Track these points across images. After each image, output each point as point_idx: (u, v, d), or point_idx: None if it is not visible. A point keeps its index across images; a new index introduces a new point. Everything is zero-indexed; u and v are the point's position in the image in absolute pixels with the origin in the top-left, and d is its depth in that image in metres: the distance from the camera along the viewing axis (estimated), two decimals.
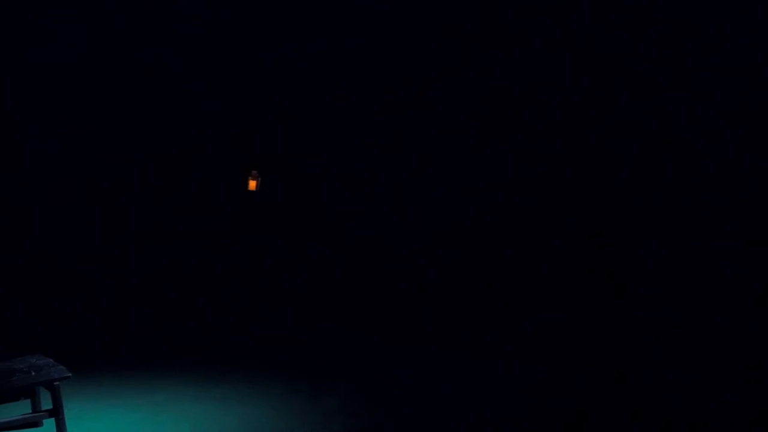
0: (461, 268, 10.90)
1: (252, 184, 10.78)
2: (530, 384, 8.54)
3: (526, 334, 9.82)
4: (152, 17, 10.29)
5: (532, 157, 10.74)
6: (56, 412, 7.29)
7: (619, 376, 8.63)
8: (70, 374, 7.40)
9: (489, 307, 10.52)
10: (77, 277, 10.48)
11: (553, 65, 10.58)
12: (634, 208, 10.52)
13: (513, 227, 10.86)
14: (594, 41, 10.51)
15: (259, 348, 9.66)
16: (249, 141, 10.82)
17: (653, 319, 9.85)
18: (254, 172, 10.83)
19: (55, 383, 7.26)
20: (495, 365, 9.06)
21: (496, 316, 10.35)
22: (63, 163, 10.40)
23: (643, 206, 10.46)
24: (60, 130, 10.27)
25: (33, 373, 7.29)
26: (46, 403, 7.47)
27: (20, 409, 7.68)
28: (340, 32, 10.64)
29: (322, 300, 10.79)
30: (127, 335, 9.85)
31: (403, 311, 10.57)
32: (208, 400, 8.30)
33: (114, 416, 7.99)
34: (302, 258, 11.06)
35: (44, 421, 7.61)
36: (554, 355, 9.27)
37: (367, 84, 10.85)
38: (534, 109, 10.76)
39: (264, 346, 9.71)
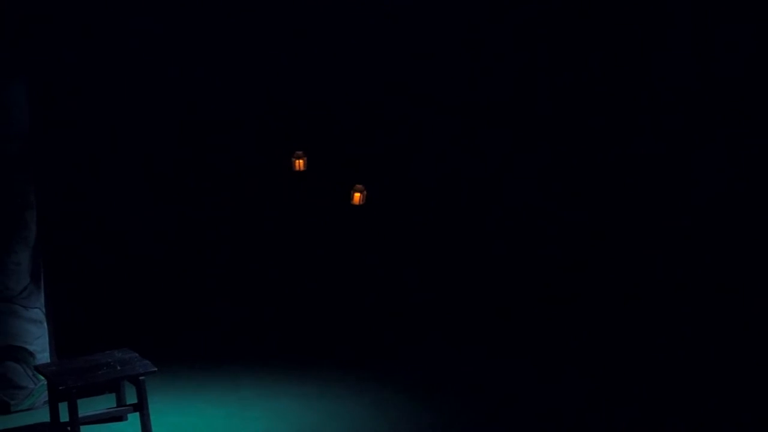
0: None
1: (299, 164, 10.43)
2: None
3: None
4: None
5: None
6: (141, 407, 7.25)
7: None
8: (156, 369, 7.35)
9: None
10: (159, 273, 10.47)
11: None
12: None
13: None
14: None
15: (350, 345, 9.45)
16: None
17: None
18: (298, 152, 10.50)
19: (141, 377, 7.22)
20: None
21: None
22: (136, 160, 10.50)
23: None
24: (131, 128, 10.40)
25: (119, 367, 7.27)
26: (131, 397, 7.42)
27: (105, 403, 7.63)
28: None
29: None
30: (210, 330, 9.77)
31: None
32: (296, 397, 8.12)
33: (199, 411, 7.88)
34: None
35: (128, 415, 7.60)
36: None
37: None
38: None
39: (356, 344, 9.50)
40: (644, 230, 10.28)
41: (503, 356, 9.02)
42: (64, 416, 7.16)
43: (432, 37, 10.55)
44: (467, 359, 8.98)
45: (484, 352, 9.15)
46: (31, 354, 7.94)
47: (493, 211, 10.76)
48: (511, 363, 8.86)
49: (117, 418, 7.60)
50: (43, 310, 8.07)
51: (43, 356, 8.00)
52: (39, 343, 8.00)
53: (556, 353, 9.06)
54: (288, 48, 10.59)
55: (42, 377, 7.57)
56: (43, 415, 7.67)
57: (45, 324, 8.08)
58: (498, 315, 9.98)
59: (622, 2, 10.16)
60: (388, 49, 10.61)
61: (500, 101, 10.58)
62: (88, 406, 7.38)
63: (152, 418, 7.30)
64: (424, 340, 9.51)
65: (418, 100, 10.67)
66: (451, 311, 10.13)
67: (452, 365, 8.84)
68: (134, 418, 7.37)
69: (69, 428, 7.10)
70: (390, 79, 10.68)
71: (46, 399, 7.66)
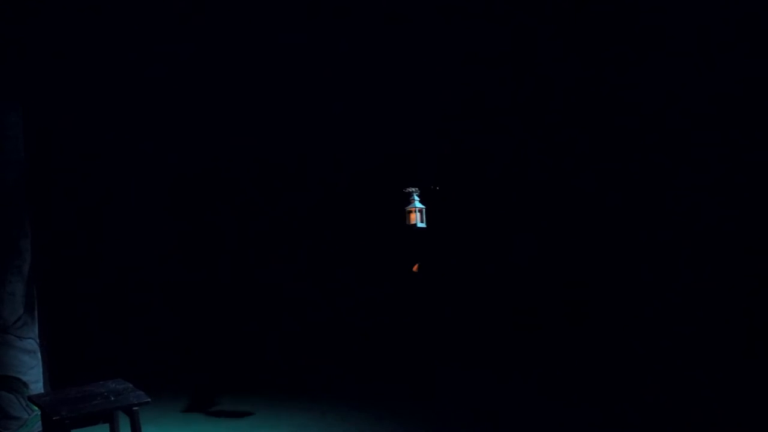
0: None
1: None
2: None
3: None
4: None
5: None
6: None
7: None
8: (150, 399, 7.27)
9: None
10: (154, 303, 10.42)
11: None
12: None
13: None
14: None
15: (360, 377, 9.39)
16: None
17: None
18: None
19: (134, 408, 7.13)
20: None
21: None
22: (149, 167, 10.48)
23: None
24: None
25: (112, 398, 7.18)
26: (125, 428, 7.32)
27: None
28: None
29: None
30: (205, 360, 9.72)
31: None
32: (303, 429, 8.03)
33: None
34: None
35: None
36: None
37: None
38: None
39: (367, 375, 9.44)
40: None
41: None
42: None
43: None
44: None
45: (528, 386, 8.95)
46: (25, 384, 7.89)
47: None
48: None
49: None
50: (37, 340, 8.03)
51: (37, 386, 7.95)
52: (33, 373, 7.95)
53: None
54: None
55: (36, 407, 7.51)
56: None
57: (39, 354, 8.04)
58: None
59: None
60: None
61: None
62: None
63: None
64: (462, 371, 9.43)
65: None
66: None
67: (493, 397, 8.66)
68: None
69: None
70: None
71: (40, 429, 7.59)
